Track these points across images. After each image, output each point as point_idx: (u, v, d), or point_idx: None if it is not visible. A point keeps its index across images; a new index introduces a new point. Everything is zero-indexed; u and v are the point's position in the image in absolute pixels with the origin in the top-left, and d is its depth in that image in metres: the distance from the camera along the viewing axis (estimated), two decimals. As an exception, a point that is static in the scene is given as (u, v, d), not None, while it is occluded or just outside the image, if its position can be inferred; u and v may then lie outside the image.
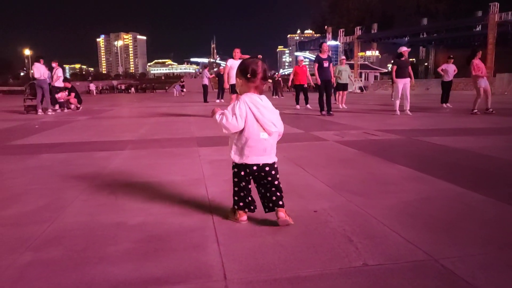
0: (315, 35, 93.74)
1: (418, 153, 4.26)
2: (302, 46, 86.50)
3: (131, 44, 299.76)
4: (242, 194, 2.09)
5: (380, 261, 1.64)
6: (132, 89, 58.64)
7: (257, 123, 2.00)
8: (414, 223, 2.09)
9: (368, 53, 66.17)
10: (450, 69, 12.12)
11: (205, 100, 17.86)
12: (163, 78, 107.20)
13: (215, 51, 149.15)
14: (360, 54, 56.85)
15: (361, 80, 45.41)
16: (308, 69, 13.12)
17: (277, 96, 24.39)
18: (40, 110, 11.17)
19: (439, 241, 1.84)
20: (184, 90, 37.90)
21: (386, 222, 2.09)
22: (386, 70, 57.11)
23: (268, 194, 2.06)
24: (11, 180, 3.19)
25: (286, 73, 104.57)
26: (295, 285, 1.46)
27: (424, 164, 3.59)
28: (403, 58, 9.27)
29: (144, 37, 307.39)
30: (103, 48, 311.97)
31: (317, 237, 1.91)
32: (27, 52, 69.16)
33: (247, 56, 7.28)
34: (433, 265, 1.61)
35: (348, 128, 6.70)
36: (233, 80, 9.00)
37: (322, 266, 1.60)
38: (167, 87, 67.76)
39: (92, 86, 50.26)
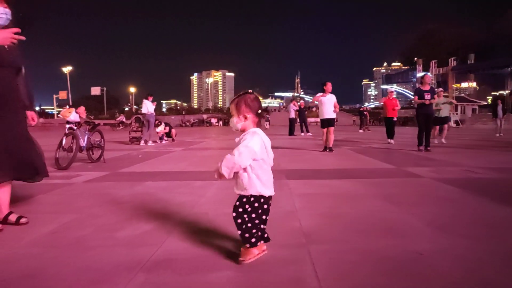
0: (403, 67, 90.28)
1: (534, 196, 3.77)
2: (389, 79, 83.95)
3: (220, 80, 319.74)
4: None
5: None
6: (220, 122, 62.11)
7: None
8: (537, 275, 1.84)
9: (464, 84, 61.44)
10: None
11: (291, 133, 17.95)
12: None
13: (299, 85, 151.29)
14: (455, 85, 53.00)
15: (457, 113, 42.12)
16: (398, 102, 12.91)
17: (362, 130, 23.61)
18: (142, 141, 12.37)
19: None
20: (268, 123, 38.93)
21: (502, 270, 1.88)
22: (486, 103, 52.30)
23: None
24: (123, 204, 3.56)
25: (372, 106, 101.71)
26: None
27: (544, 209, 3.17)
28: None
29: (233, 74, 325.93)
30: (196, 85, 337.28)
31: (422, 283, 1.79)
32: (132, 89, 77.96)
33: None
34: None
35: (446, 164, 6.22)
36: (325, 115, 8.98)
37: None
38: None
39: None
